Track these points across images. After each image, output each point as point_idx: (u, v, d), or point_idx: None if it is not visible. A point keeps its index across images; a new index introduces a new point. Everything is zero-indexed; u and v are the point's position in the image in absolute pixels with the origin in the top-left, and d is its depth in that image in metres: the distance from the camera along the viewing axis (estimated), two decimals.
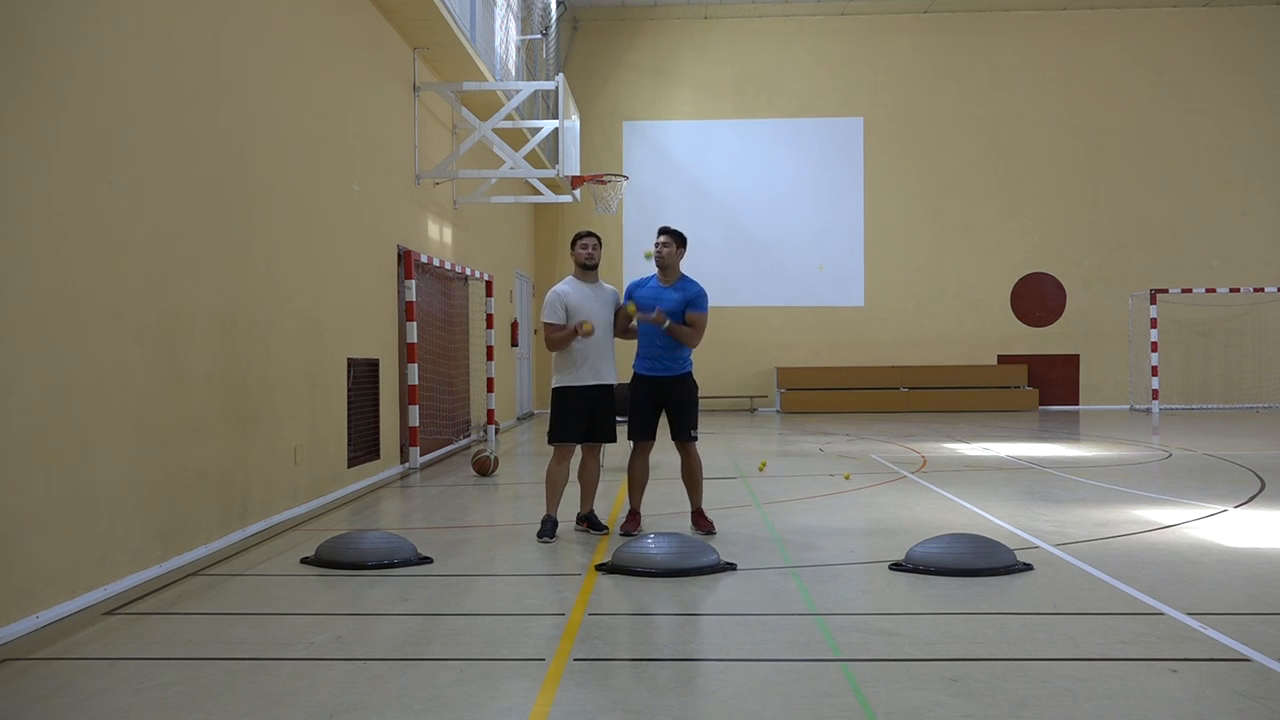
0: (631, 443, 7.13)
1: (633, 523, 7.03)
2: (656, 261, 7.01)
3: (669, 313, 6.86)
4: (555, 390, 6.94)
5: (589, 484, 7.10)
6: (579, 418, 6.86)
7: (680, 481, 7.18)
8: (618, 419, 7.08)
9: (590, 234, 7.08)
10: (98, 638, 4.64)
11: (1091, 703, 3.67)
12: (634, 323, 7.08)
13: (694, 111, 22.03)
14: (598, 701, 3.73)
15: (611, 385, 6.98)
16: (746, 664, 4.18)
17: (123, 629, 4.79)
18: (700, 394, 7.23)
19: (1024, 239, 21.74)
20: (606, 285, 7.12)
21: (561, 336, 6.80)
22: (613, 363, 7.00)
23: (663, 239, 7.01)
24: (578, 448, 7.04)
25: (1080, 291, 21.65)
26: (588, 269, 6.99)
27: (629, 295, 7.08)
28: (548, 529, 6.85)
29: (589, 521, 7.11)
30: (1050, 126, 21.64)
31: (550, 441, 6.95)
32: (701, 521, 7.04)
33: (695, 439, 7.04)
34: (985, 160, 21.72)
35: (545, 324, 6.88)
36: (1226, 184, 21.45)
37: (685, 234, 7.13)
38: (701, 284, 7.05)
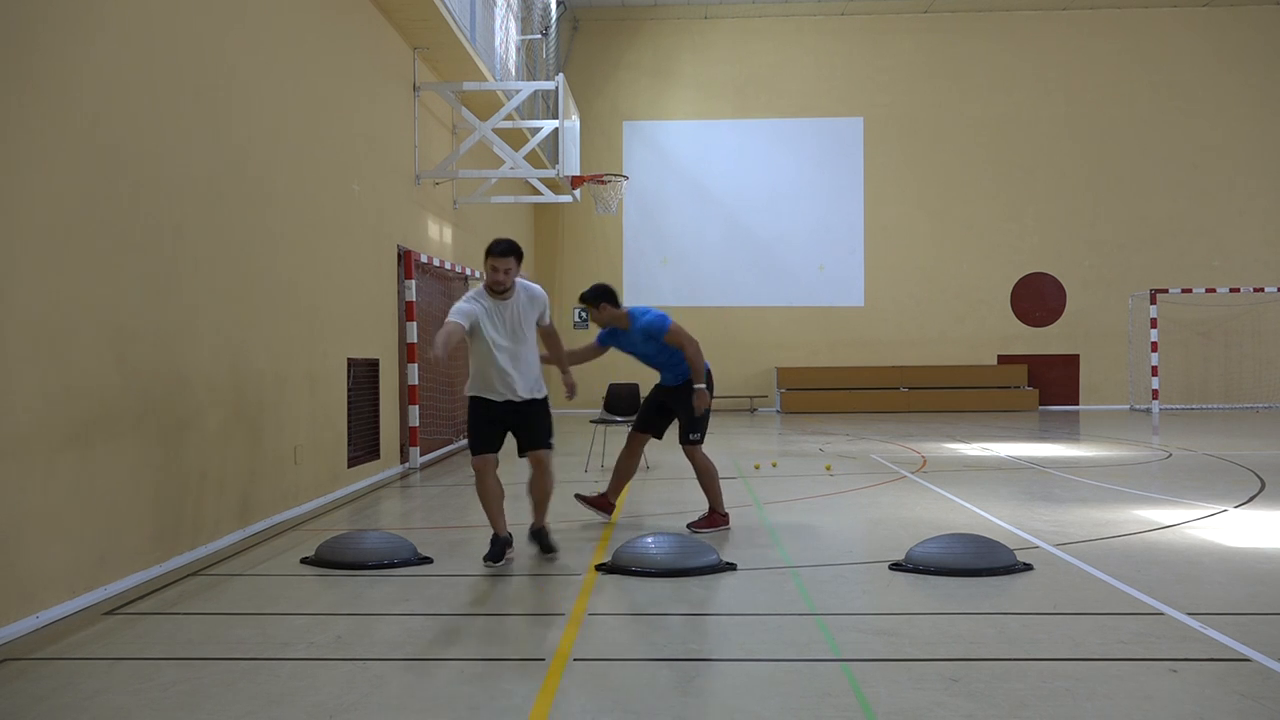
0: (629, 435, 7.33)
1: (595, 501, 7.24)
2: (597, 324, 7.03)
3: (653, 355, 7.03)
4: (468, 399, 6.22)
5: (538, 498, 6.28)
6: (492, 427, 6.13)
7: (687, 483, 7.21)
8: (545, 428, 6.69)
9: (506, 253, 5.96)
10: (98, 638, 4.63)
11: (1091, 703, 3.67)
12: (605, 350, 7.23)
13: (694, 111, 22.03)
14: (598, 701, 3.73)
15: (534, 400, 6.14)
16: (746, 664, 4.18)
17: (123, 629, 4.78)
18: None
19: (1024, 239, 21.75)
20: (528, 293, 6.15)
21: (442, 339, 5.74)
22: (531, 377, 6.15)
23: (588, 306, 6.95)
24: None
25: (1080, 291, 21.65)
26: (494, 293, 6.05)
27: (601, 340, 7.15)
28: (496, 550, 6.07)
29: (538, 540, 6.29)
30: (1050, 126, 21.65)
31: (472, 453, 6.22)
32: (701, 521, 7.07)
33: (693, 442, 7.06)
34: (985, 160, 21.73)
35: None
36: (1226, 184, 21.45)
37: (610, 286, 7.05)
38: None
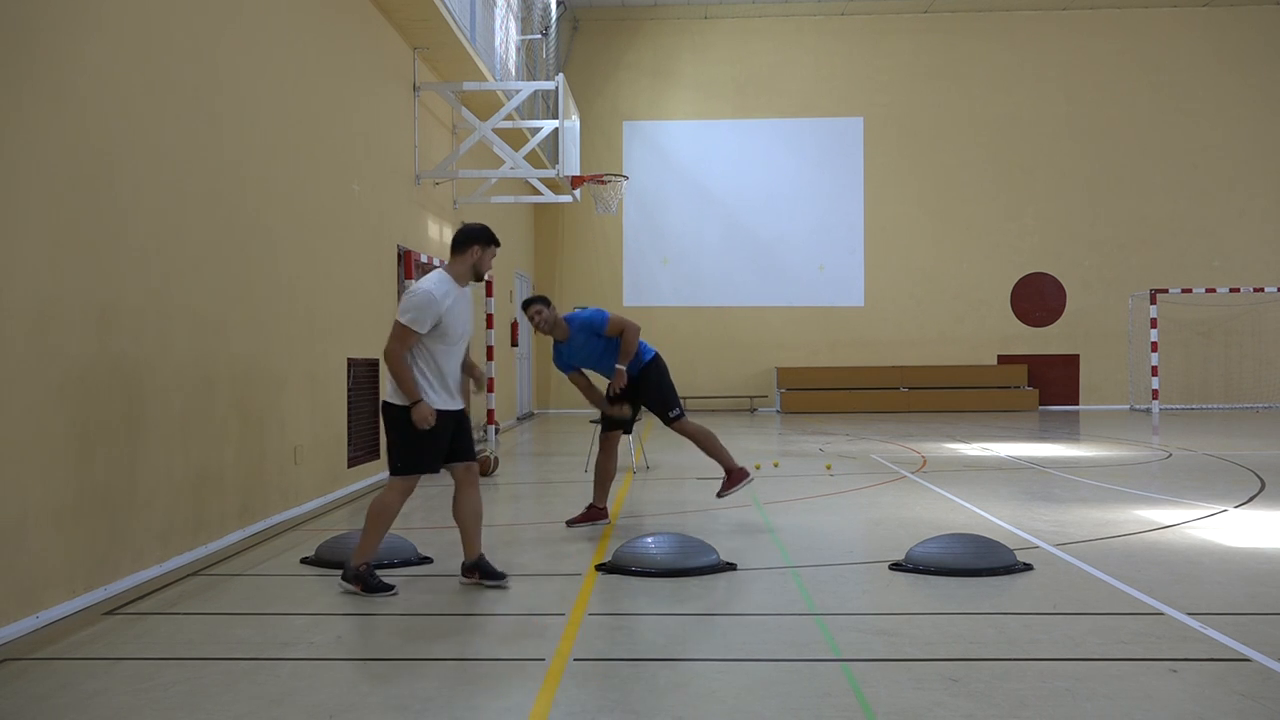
0: (600, 437, 7.40)
1: (584, 517, 7.25)
2: (542, 330, 6.98)
3: (598, 355, 7.06)
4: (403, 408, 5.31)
5: (474, 520, 5.60)
6: (441, 442, 5.44)
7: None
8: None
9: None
10: (98, 638, 4.63)
11: (1091, 703, 3.67)
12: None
13: (694, 111, 22.03)
14: (598, 701, 3.73)
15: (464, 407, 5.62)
16: (746, 664, 4.18)
17: (123, 629, 4.78)
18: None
19: (1024, 239, 21.75)
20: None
21: (408, 379, 5.25)
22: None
23: (532, 309, 6.92)
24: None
25: (1080, 291, 21.65)
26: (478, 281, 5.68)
27: (567, 366, 7.16)
28: (374, 580, 5.34)
29: (481, 570, 5.54)
30: (1050, 126, 21.65)
31: (403, 472, 5.44)
32: (724, 485, 7.27)
33: (679, 417, 7.12)
34: (985, 160, 21.72)
35: (403, 327, 5.23)
36: (1226, 184, 21.45)
37: (549, 296, 7.26)
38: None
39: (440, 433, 5.36)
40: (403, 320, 5.23)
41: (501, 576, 5.52)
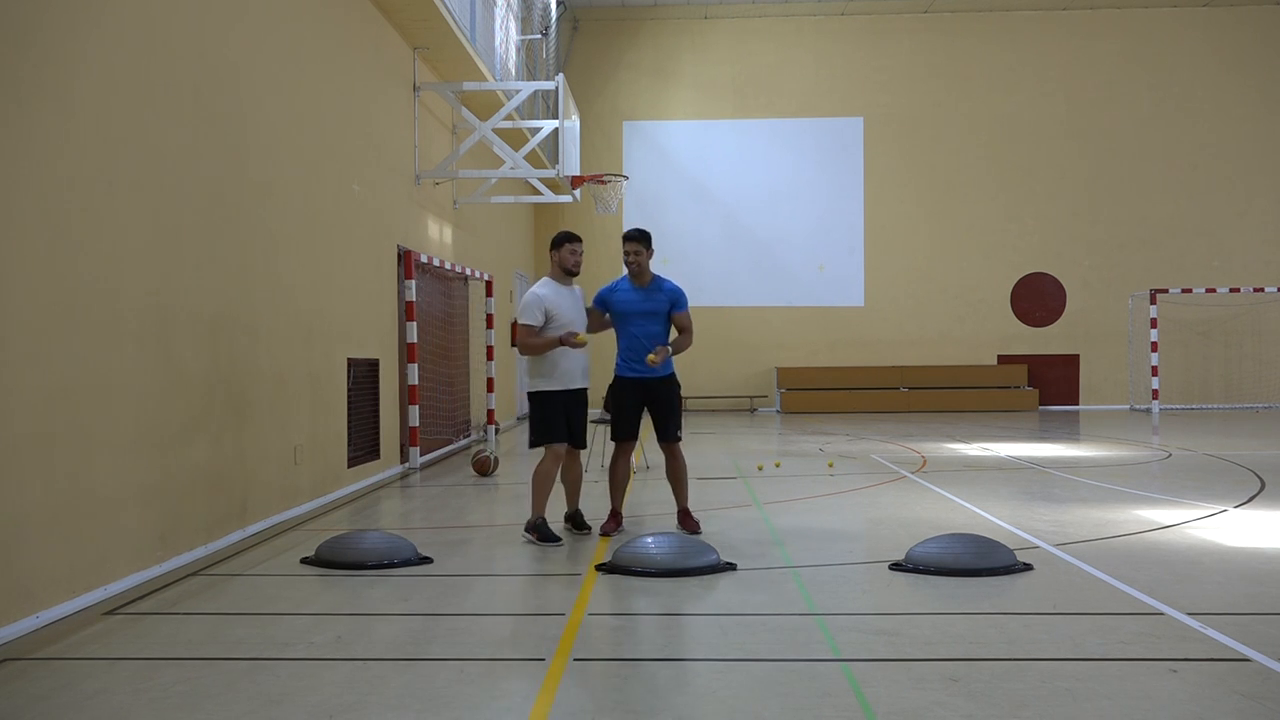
0: (614, 443, 7.15)
1: (613, 523, 7.06)
2: (630, 269, 6.93)
3: (655, 314, 6.91)
4: (537, 394, 6.80)
5: (575, 484, 7.09)
6: (562, 419, 6.76)
7: (689, 481, 7.17)
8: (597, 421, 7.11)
9: (579, 239, 6.99)
10: (98, 638, 4.63)
11: (1091, 703, 3.67)
12: (607, 316, 7.08)
13: (694, 111, 22.03)
14: (598, 701, 3.73)
15: (586, 389, 6.96)
16: (746, 664, 4.18)
17: (123, 629, 4.78)
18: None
19: (1024, 239, 21.75)
20: (576, 287, 7.03)
21: (542, 343, 6.67)
22: (588, 367, 6.99)
23: (631, 247, 6.88)
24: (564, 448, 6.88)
25: (1080, 291, 21.65)
26: (572, 275, 6.93)
27: (601, 301, 7.05)
28: (546, 531, 6.68)
29: (574, 521, 7.07)
30: (1050, 127, 21.65)
31: (537, 444, 6.78)
32: (687, 521, 7.03)
33: (680, 439, 7.04)
34: (985, 160, 21.72)
35: (524, 326, 6.68)
36: (1226, 184, 21.45)
37: (651, 233, 7.14)
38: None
39: (560, 412, 6.69)
40: (522, 321, 6.66)
41: (587, 528, 7.00)
